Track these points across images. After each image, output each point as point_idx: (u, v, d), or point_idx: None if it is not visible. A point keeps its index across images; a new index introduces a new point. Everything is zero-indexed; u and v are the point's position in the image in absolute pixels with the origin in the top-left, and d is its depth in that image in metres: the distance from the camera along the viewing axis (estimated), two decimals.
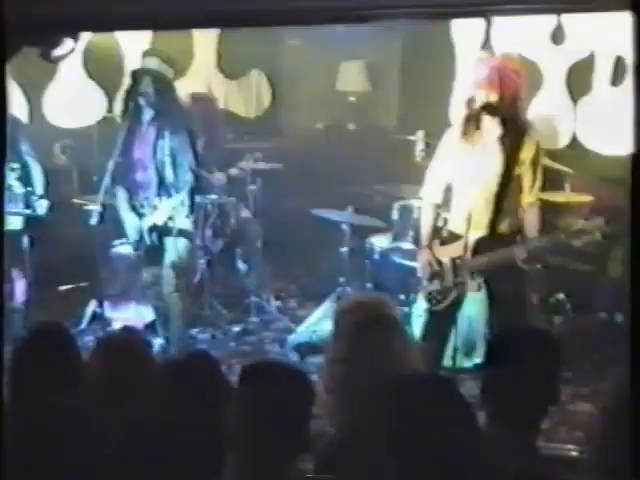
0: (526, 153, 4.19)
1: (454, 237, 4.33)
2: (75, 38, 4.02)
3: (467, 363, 4.94)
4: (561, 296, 5.46)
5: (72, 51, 4.13)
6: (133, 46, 6.51)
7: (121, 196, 5.17)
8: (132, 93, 5.11)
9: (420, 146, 5.60)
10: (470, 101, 4.18)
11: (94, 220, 4.95)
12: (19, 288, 5.55)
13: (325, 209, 5.94)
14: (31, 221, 5.45)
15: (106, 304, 5.64)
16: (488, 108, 4.13)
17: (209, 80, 6.94)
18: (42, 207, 5.47)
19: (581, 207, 5.31)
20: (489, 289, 4.32)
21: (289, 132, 7.06)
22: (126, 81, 5.60)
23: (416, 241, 5.07)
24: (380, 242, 5.79)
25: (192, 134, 5.19)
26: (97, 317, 5.71)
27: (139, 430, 2.37)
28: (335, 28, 6.13)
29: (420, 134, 5.63)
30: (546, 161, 4.34)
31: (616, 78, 5.70)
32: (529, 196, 4.24)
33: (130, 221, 5.15)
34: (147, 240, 5.13)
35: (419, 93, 6.53)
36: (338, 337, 2.69)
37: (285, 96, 7.22)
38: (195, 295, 5.69)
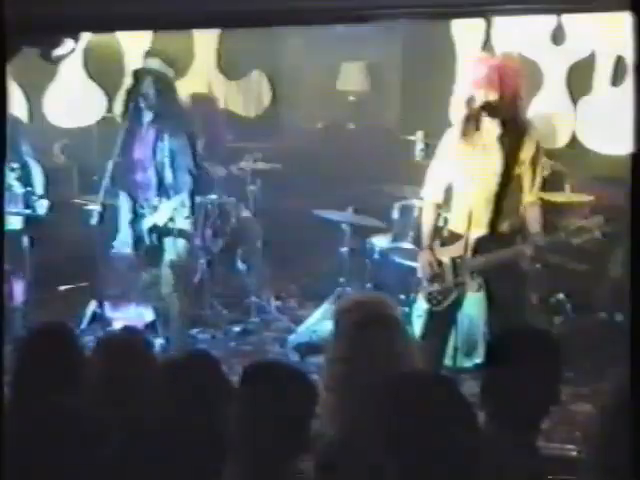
0: (526, 153, 4.19)
1: (454, 237, 4.33)
2: (75, 38, 4.03)
3: (467, 363, 4.94)
4: (561, 296, 5.45)
5: (72, 51, 4.15)
6: (133, 46, 6.52)
7: (123, 200, 5.18)
8: (133, 93, 5.11)
9: (420, 146, 5.61)
10: (470, 101, 4.18)
11: (94, 220, 4.96)
12: (19, 288, 5.55)
13: (325, 209, 5.93)
14: (31, 221, 5.45)
15: (106, 304, 5.64)
16: (488, 108, 4.13)
17: (209, 80, 6.94)
18: (42, 207, 5.47)
19: (581, 207, 5.30)
20: (489, 289, 4.32)
21: (289, 132, 7.05)
22: (127, 81, 5.61)
23: (416, 241, 5.07)
24: (380, 242, 5.79)
25: (192, 136, 5.20)
26: (97, 317, 5.71)
27: (139, 430, 2.37)
28: (335, 28, 6.13)
29: (420, 134, 5.65)
30: (546, 161, 4.33)
31: (616, 78, 5.70)
32: (529, 196, 4.24)
33: (127, 228, 5.16)
34: (147, 240, 5.13)
35: (419, 93, 6.52)
36: (338, 337, 2.68)
37: (285, 96, 7.21)
38: (195, 295, 5.69)
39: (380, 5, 3.25)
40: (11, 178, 5.34)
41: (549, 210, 4.37)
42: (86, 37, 6.11)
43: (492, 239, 4.21)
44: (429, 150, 4.88)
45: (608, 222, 3.98)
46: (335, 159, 6.76)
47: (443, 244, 4.39)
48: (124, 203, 5.21)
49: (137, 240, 5.19)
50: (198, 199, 5.38)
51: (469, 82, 4.24)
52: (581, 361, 4.83)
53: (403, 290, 5.26)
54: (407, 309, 5.02)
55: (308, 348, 5.45)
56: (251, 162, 6.26)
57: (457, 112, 4.47)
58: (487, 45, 5.94)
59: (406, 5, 3.25)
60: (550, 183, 4.44)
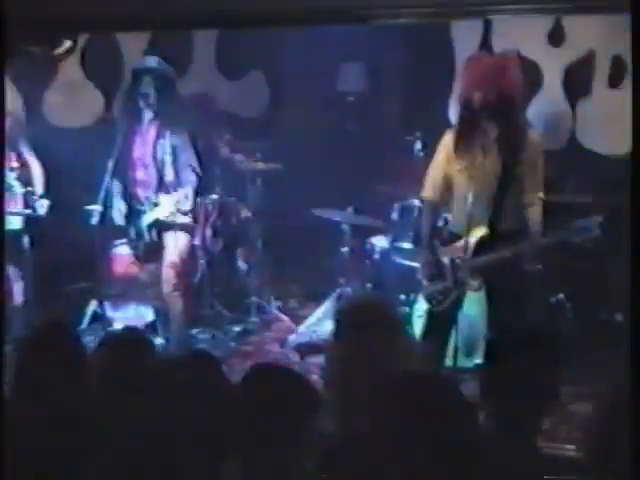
0: (525, 153, 4.19)
1: (454, 237, 4.33)
2: (75, 38, 4.03)
3: (467, 363, 4.94)
4: (561, 296, 5.45)
5: (72, 51, 4.14)
6: (133, 46, 6.51)
7: (116, 188, 5.17)
8: (132, 92, 5.11)
9: (419, 146, 5.61)
10: (469, 101, 4.18)
11: (94, 220, 4.95)
12: (19, 288, 5.55)
13: (325, 209, 5.94)
14: (31, 221, 5.45)
15: (106, 304, 5.64)
16: (487, 108, 4.12)
17: (209, 80, 6.94)
18: (42, 207, 5.47)
19: (581, 207, 5.30)
20: (489, 289, 4.32)
21: (289, 132, 7.05)
22: (126, 80, 5.61)
23: (416, 241, 5.07)
24: (380, 242, 5.79)
25: (193, 133, 5.18)
26: (98, 317, 5.71)
27: (139, 430, 2.37)
28: (335, 28, 6.13)
29: (420, 134, 5.65)
30: (546, 161, 4.33)
31: (615, 78, 5.70)
32: (529, 196, 4.24)
33: (120, 209, 5.15)
34: (147, 237, 5.13)
35: (419, 93, 6.52)
36: (338, 337, 2.69)
37: (285, 96, 7.22)
38: (195, 295, 5.69)
39: (380, 5, 3.25)
40: (11, 178, 5.34)
41: (549, 210, 4.36)
42: (85, 37, 6.11)
43: (492, 239, 4.21)
44: (429, 150, 4.88)
45: (608, 222, 3.98)
46: (335, 159, 6.76)
47: (443, 244, 4.39)
48: (116, 192, 5.18)
49: (137, 237, 5.19)
50: (198, 199, 5.37)
51: (468, 82, 4.23)
52: (581, 361, 4.83)
53: (403, 290, 5.26)
54: (407, 309, 5.01)
55: (308, 348, 5.45)
56: (251, 162, 6.26)
57: (456, 112, 4.47)
58: (486, 45, 5.94)
59: (406, 5, 3.26)
60: (550, 183, 4.43)
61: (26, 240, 5.44)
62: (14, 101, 6.01)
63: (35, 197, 5.47)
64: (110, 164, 5.01)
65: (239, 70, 7.06)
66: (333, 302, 5.74)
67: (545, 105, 5.84)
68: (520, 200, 4.23)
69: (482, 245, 4.22)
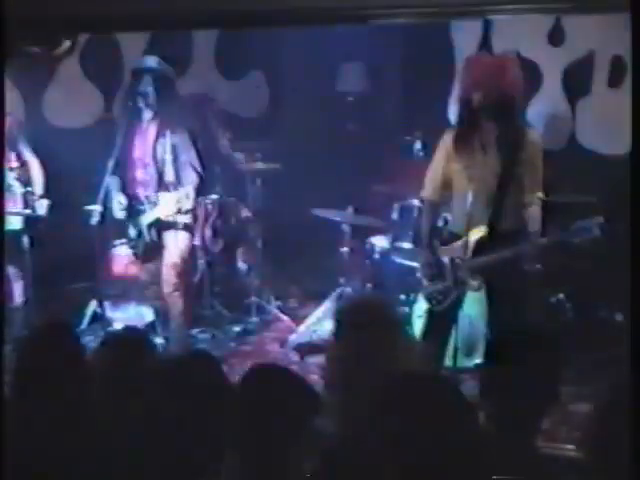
0: (525, 153, 4.19)
1: (454, 237, 4.33)
2: (75, 38, 4.03)
3: (467, 363, 4.94)
4: (561, 296, 5.46)
5: (72, 51, 4.14)
6: (133, 46, 6.51)
7: (115, 183, 5.17)
8: (132, 92, 5.11)
9: (419, 146, 5.61)
10: (469, 101, 4.18)
11: (94, 220, 4.95)
12: (19, 288, 5.55)
13: (325, 209, 5.94)
14: (31, 221, 5.45)
15: (106, 304, 5.64)
16: (487, 108, 4.12)
17: (209, 80, 6.94)
18: (42, 207, 5.47)
19: (581, 207, 5.30)
20: (489, 289, 4.32)
21: (289, 132, 7.06)
22: (126, 80, 5.61)
23: (416, 241, 5.07)
24: (380, 242, 5.79)
25: (193, 133, 5.18)
26: (97, 317, 5.71)
27: (139, 430, 2.37)
28: (335, 28, 6.13)
29: (419, 134, 5.65)
30: (545, 161, 4.33)
31: (615, 78, 5.70)
32: (529, 196, 4.24)
33: (120, 201, 5.15)
34: (147, 237, 5.13)
35: (418, 93, 6.53)
36: (338, 337, 2.69)
37: (285, 96, 7.22)
38: (195, 295, 5.69)
39: (380, 5, 3.25)
40: (11, 178, 5.34)
41: (549, 210, 4.36)
42: (85, 37, 6.11)
43: (492, 239, 4.21)
44: (428, 150, 4.88)
45: (608, 222, 3.98)
46: (335, 159, 6.77)
47: (443, 244, 4.39)
48: (114, 188, 5.18)
49: (137, 237, 5.19)
50: (198, 199, 5.37)
51: (468, 82, 4.23)
52: (581, 361, 4.83)
53: (403, 290, 5.27)
54: (407, 309, 5.02)
55: (308, 348, 5.45)
56: (251, 162, 6.27)
57: (456, 112, 4.47)
58: (486, 45, 5.95)
59: (406, 5, 3.26)
60: (550, 183, 4.43)
61: (26, 240, 5.43)
62: (14, 101, 6.01)
63: (35, 197, 5.47)
64: (110, 164, 5.01)
65: (239, 70, 7.06)
66: (333, 302, 5.74)
67: (545, 105, 5.84)
68: (520, 200, 4.23)
69: (482, 245, 4.22)
